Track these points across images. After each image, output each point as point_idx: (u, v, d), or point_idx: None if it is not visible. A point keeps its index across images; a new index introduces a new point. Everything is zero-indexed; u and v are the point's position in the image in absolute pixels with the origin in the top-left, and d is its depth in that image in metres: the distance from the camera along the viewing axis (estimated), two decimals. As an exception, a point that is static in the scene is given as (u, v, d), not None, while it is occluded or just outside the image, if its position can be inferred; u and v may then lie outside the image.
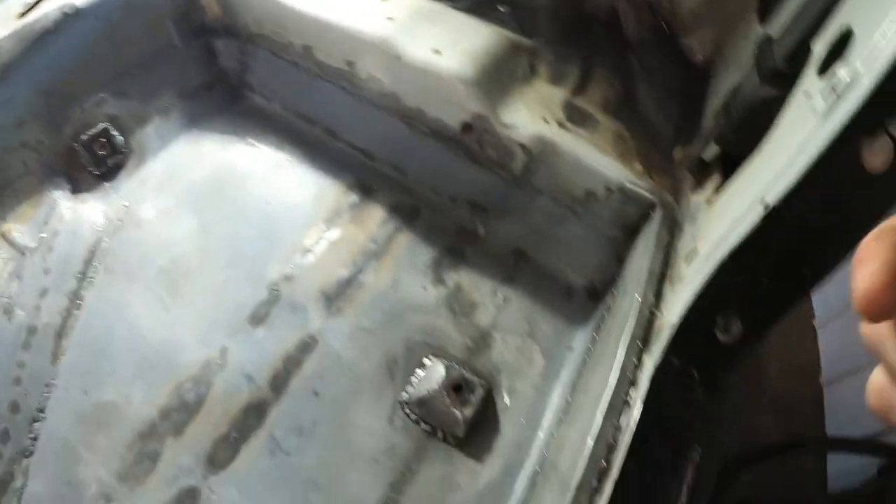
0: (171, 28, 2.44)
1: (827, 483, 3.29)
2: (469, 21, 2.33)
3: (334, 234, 2.24)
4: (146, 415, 1.83)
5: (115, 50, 2.29)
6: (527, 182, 2.23)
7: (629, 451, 1.51)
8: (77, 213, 2.16)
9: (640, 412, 1.55)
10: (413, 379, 1.96)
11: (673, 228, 1.98)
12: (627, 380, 1.60)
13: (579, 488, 1.46)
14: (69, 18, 2.14)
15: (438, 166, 2.33)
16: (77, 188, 2.22)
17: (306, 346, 1.99)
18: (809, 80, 1.36)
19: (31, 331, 1.94)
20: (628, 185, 2.06)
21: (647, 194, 2.04)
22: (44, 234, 2.08)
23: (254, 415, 1.86)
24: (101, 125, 2.25)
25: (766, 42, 1.65)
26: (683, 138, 2.24)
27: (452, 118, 2.21)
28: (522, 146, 2.15)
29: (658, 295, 1.76)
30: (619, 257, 2.22)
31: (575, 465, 1.53)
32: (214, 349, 1.95)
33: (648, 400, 1.58)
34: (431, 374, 1.94)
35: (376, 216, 2.31)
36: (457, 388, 1.90)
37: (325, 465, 1.80)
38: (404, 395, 1.93)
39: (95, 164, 2.24)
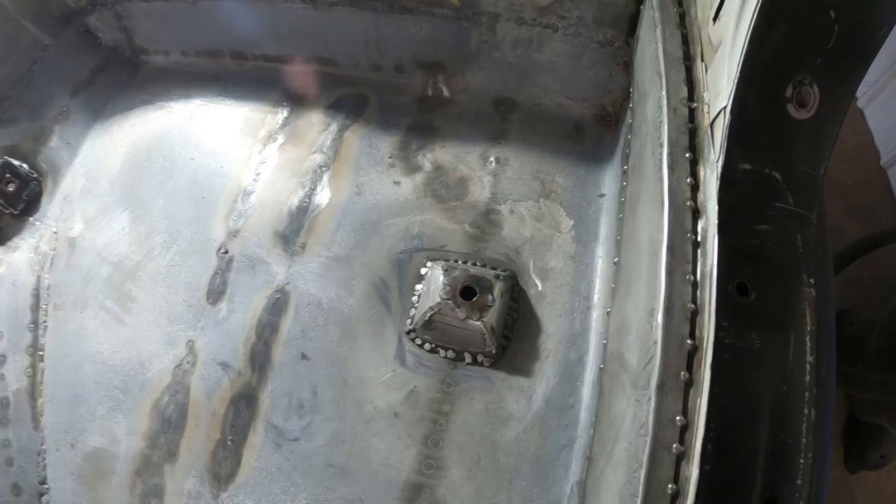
0: (33, 29, 1.98)
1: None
2: None
3: (272, 161, 1.70)
4: (135, 449, 1.44)
5: None
6: (474, 10, 1.55)
7: (720, 310, 0.94)
8: (10, 264, 1.77)
9: (718, 250, 0.97)
10: (413, 299, 1.43)
11: None
12: (688, 209, 1.02)
13: (661, 389, 0.91)
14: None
15: (365, 37, 1.69)
16: (3, 237, 1.82)
17: (277, 303, 1.50)
18: None
19: (5, 404, 1.62)
20: None
21: None
22: (-17, 300, 1.78)
23: (244, 406, 1.41)
24: (0, 161, 1.88)
25: None
26: None
27: (352, -33, 1.58)
28: (447, -38, 1.49)
29: (690, 83, 1.15)
30: (624, 63, 1.51)
31: (647, 354, 0.97)
32: (180, 346, 1.51)
33: (727, 227, 0.99)
34: (430, 285, 1.36)
35: (315, 122, 1.73)
36: (466, 291, 1.33)
37: (339, 440, 1.32)
38: (408, 323, 1.40)
39: (11, 203, 1.83)
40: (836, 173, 2.99)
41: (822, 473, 0.98)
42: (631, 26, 1.47)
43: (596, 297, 1.38)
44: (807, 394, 0.97)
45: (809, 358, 0.98)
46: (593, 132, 1.61)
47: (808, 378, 0.97)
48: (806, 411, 0.96)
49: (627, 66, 1.52)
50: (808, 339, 0.99)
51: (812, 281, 1.01)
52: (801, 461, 0.94)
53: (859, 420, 2.46)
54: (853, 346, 2.30)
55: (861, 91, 3.04)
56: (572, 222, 1.47)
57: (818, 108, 1.02)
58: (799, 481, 0.93)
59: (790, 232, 1.03)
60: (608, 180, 1.51)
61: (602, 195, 1.50)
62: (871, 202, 2.96)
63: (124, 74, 2.07)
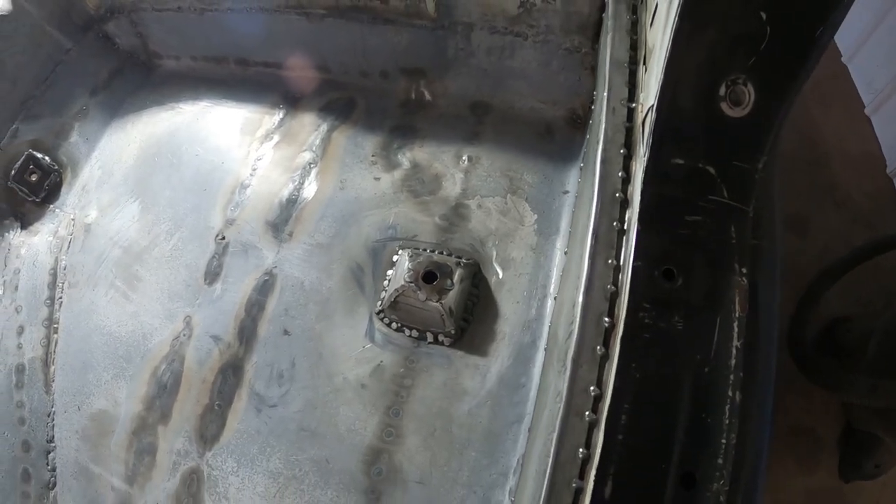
0: (56, 34, 2.25)
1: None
2: None
3: (267, 158, 1.93)
4: (133, 411, 1.65)
5: (8, 80, 2.12)
6: (450, 20, 1.75)
7: (636, 294, 1.05)
8: (31, 246, 2.03)
9: (638, 238, 1.08)
10: (384, 283, 1.62)
11: (634, 4, 1.42)
12: (616, 200, 1.15)
13: (577, 362, 1.04)
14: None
15: (354, 45, 1.91)
16: (25, 223, 2.10)
17: (265, 285, 1.71)
18: None
19: (20, 370, 1.88)
20: None
21: None
22: (6, 277, 1.98)
23: (231, 375, 1.62)
24: (24, 154, 2.10)
25: None
26: None
27: (340, -16, 1.80)
28: (424, -22, 1.68)
29: (633, 85, 1.28)
30: (591, 68, 1.67)
31: (569, 329, 1.10)
32: (179, 321, 1.74)
33: (649, 219, 1.10)
34: (398, 270, 1.56)
35: (307, 123, 1.95)
36: (428, 276, 1.52)
37: (312, 406, 1.52)
38: (378, 304, 1.58)
39: (34, 192, 2.10)
40: (841, 181, 3.07)
41: (755, 459, 1.05)
42: (596, 33, 1.61)
43: (552, 287, 1.55)
44: (731, 377, 1.04)
45: (736, 343, 1.05)
46: (563, 133, 1.78)
47: (733, 362, 1.04)
48: (730, 393, 1.03)
49: (594, 70, 1.68)
50: (735, 324, 1.06)
51: (745, 270, 1.09)
52: (724, 441, 1.01)
53: (854, 429, 2.52)
54: (851, 353, 2.38)
55: (868, 99, 3.14)
56: (536, 216, 1.65)
57: (753, 106, 1.08)
58: (720, 460, 1.00)
59: (723, 223, 1.11)
60: (573, 178, 1.69)
61: (566, 192, 1.68)
62: (877, 210, 3.01)
63: (139, 77, 2.34)
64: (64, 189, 2.16)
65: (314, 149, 1.89)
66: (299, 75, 2.05)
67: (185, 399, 1.65)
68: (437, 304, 1.48)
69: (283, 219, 1.79)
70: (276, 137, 1.96)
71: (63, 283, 1.97)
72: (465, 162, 1.75)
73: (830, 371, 2.25)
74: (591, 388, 1.02)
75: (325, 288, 1.66)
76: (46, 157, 2.17)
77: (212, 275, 1.79)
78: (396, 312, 1.54)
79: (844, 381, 2.21)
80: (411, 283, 1.50)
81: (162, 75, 2.33)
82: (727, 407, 1.02)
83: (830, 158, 3.14)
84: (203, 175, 1.96)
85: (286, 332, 1.64)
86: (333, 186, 1.80)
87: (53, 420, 1.79)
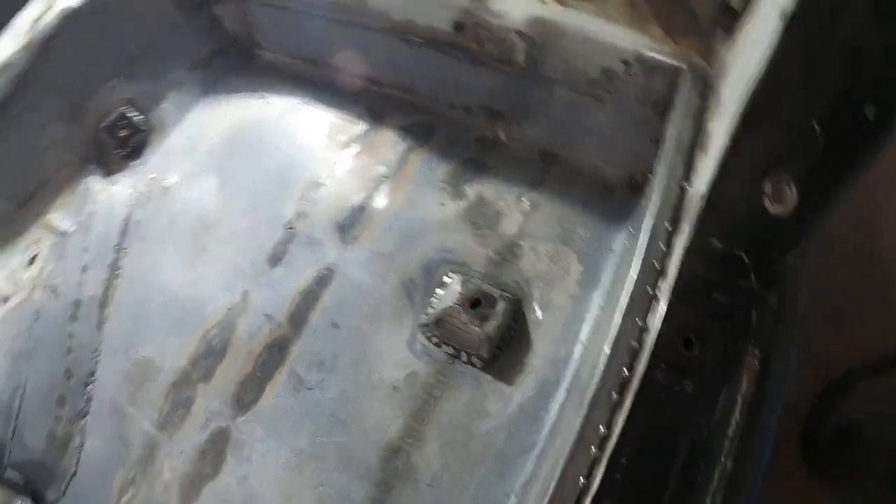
0: (172, 8, 2.49)
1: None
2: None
3: (346, 164, 2.12)
4: (178, 365, 1.83)
5: (119, 39, 2.32)
6: (536, 73, 1.93)
7: (655, 355, 1.22)
8: (110, 194, 2.23)
9: (667, 307, 1.25)
10: (433, 300, 1.79)
11: (705, 92, 1.58)
12: (654, 270, 1.31)
13: (594, 403, 1.20)
14: (69, 21, 2.16)
15: (445, 77, 2.13)
16: (108, 171, 2.30)
17: (323, 278, 1.89)
18: None
19: (77, 304, 2.06)
20: (647, 53, 1.72)
21: (669, 60, 1.69)
22: (81, 218, 2.17)
23: (276, 352, 1.79)
24: (119, 109, 2.32)
25: None
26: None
27: (442, 20, 1.97)
28: (520, 33, 1.86)
29: (689, 166, 1.43)
30: (656, 140, 1.88)
31: (592, 375, 1.26)
32: (237, 294, 1.91)
33: (679, 291, 1.27)
34: (449, 292, 1.74)
35: (388, 140, 2.15)
36: (474, 303, 1.69)
37: (346, 397, 1.69)
38: (423, 318, 1.76)
39: (121, 146, 2.31)
40: (894, 279, 3.01)
41: None
42: (665, 109, 1.76)
43: (584, 335, 1.71)
44: (726, 443, 1.17)
45: (738, 416, 1.19)
46: (621, 195, 1.94)
47: (731, 431, 1.18)
48: (722, 459, 1.16)
49: (658, 142, 1.85)
50: (739, 398, 1.20)
51: (757, 352, 1.24)
52: (708, 501, 1.14)
53: None
54: (863, 455, 2.44)
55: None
56: (581, 269, 1.82)
57: (795, 207, 1.17)
58: None
59: (746, 307, 1.26)
60: (621, 239, 1.85)
61: (612, 251, 1.86)
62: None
63: (238, 62, 2.55)
64: (148, 150, 2.36)
65: (390, 165, 2.08)
66: (389, 93, 2.25)
67: (231, 365, 1.82)
68: (478, 329, 1.65)
69: (351, 222, 1.98)
70: (356, 147, 2.16)
71: (133, 235, 2.16)
72: (527, 205, 1.93)
73: (840, 470, 2.34)
74: (601, 427, 1.18)
75: (378, 293, 1.83)
76: (139, 116, 2.37)
77: (276, 259, 1.97)
78: (439, 329, 1.71)
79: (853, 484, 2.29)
80: (458, 305, 1.68)
81: (260, 65, 2.55)
82: (716, 471, 1.16)
83: (887, 254, 3.09)
84: (284, 167, 2.16)
85: (335, 326, 1.81)
86: (402, 203, 1.99)
87: (99, 357, 1.95)
